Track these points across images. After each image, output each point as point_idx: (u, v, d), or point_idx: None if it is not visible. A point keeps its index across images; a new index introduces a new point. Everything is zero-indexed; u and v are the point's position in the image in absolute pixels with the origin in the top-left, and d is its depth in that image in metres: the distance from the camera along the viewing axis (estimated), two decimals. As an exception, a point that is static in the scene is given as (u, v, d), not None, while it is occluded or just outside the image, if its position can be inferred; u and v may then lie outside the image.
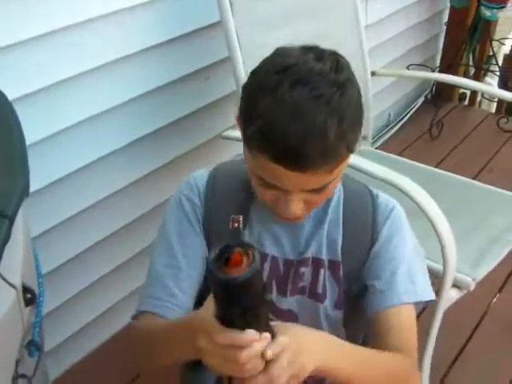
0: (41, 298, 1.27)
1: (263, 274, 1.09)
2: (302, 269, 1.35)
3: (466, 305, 2.42)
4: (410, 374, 1.28)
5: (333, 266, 1.34)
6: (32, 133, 1.52)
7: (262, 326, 0.93)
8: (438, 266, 1.85)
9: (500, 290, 2.88)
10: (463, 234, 2.12)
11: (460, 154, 3.79)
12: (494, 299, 2.84)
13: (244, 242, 0.89)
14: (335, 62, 1.12)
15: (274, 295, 1.36)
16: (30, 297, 1.14)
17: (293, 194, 1.14)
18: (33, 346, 1.19)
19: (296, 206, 1.17)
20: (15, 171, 1.14)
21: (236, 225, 0.95)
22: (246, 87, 1.16)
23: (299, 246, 1.34)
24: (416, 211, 1.80)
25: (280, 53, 1.15)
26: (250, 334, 0.89)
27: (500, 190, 2.48)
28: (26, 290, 1.12)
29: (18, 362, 1.14)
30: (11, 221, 1.01)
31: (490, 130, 4.13)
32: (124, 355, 2.32)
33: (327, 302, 1.36)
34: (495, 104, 4.47)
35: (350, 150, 1.13)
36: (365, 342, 1.47)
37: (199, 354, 0.95)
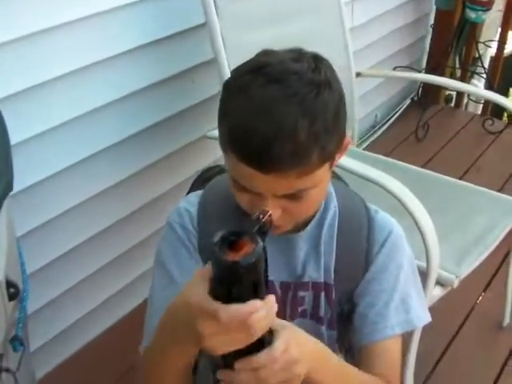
0: (24, 294, 1.27)
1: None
2: (301, 293, 1.32)
3: (451, 303, 2.44)
4: None
5: (327, 288, 1.31)
6: (16, 133, 1.53)
7: None
8: (422, 264, 1.86)
9: (485, 289, 2.90)
10: (448, 232, 2.14)
11: (446, 156, 3.81)
12: (480, 298, 2.86)
13: (252, 232, 0.90)
14: (314, 64, 1.08)
15: None
16: (13, 291, 1.15)
17: (267, 199, 1.09)
18: (17, 341, 1.20)
19: (272, 213, 1.09)
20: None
21: (261, 216, 0.96)
22: (222, 87, 1.14)
23: (296, 269, 1.30)
24: (401, 209, 1.81)
25: (260, 53, 1.13)
26: (253, 302, 0.88)
27: (485, 190, 2.49)
28: (9, 284, 1.13)
29: (1, 357, 1.14)
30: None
31: (476, 132, 4.15)
32: (111, 353, 2.36)
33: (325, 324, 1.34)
34: (481, 106, 4.49)
35: (326, 156, 1.08)
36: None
37: (200, 341, 0.92)
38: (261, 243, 0.87)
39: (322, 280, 1.30)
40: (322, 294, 1.31)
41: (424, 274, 1.86)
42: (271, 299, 0.91)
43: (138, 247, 2.46)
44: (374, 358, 1.27)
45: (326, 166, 1.11)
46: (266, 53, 1.12)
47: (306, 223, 1.28)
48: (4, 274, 1.09)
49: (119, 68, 2.14)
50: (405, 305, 1.30)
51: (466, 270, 2.05)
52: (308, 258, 1.30)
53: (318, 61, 1.10)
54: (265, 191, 1.08)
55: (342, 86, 1.13)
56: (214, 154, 2.50)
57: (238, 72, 1.11)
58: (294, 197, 1.10)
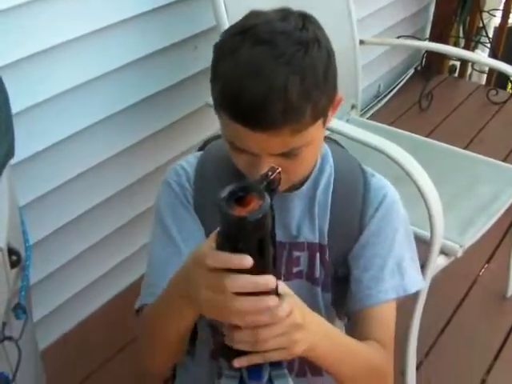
0: (27, 263, 1.27)
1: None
2: (296, 253, 1.31)
3: (455, 274, 2.45)
4: (387, 371, 1.27)
5: (321, 249, 1.31)
6: (18, 101, 1.51)
7: (269, 268, 0.91)
8: (426, 233, 1.85)
9: (489, 260, 2.90)
10: (451, 201, 2.13)
11: (449, 126, 3.79)
12: (483, 269, 2.86)
13: (260, 188, 0.88)
14: (301, 22, 1.09)
15: None
16: (15, 259, 1.14)
17: (262, 158, 1.10)
18: (19, 309, 1.19)
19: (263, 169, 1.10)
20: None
21: (270, 173, 0.94)
22: (213, 50, 1.14)
23: (290, 228, 1.30)
24: (404, 178, 1.80)
25: (248, 15, 1.14)
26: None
27: (489, 159, 2.48)
28: (11, 252, 1.12)
29: (4, 325, 1.14)
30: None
31: (480, 102, 4.13)
32: (114, 324, 2.37)
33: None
34: (485, 76, 4.46)
35: (318, 113, 1.09)
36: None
37: (195, 292, 0.92)
38: (268, 200, 0.85)
39: (317, 241, 1.30)
40: (318, 255, 1.31)
41: (428, 244, 1.86)
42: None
43: (141, 217, 2.45)
44: (369, 323, 1.27)
45: (319, 123, 1.12)
46: (253, 14, 1.13)
47: (301, 183, 1.28)
48: (6, 241, 1.08)
49: (120, 36, 2.11)
50: (400, 270, 1.29)
51: (470, 239, 2.04)
52: (303, 219, 1.30)
53: (305, 19, 1.11)
54: (260, 150, 1.09)
55: (330, 43, 1.14)
56: (217, 123, 2.48)
57: (226, 34, 1.13)
58: (289, 155, 1.11)
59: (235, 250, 0.85)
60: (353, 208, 1.30)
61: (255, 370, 0.99)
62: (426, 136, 2.88)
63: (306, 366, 1.42)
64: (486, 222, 2.12)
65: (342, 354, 1.13)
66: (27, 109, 1.86)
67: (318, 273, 1.31)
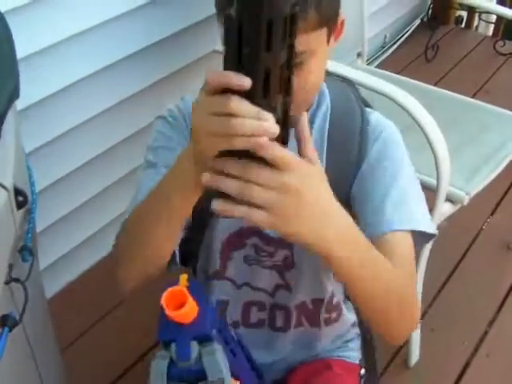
0: (33, 205, 1.26)
1: None
2: None
3: (461, 224, 2.46)
4: (414, 301, 1.18)
5: None
6: (22, 47, 1.50)
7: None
8: (432, 180, 1.85)
9: (494, 211, 2.90)
10: (458, 149, 2.12)
11: (455, 77, 3.77)
12: (489, 219, 2.86)
13: None
14: None
15: None
16: (22, 200, 1.13)
17: None
18: (26, 250, 1.19)
19: None
20: (4, 72, 1.12)
21: None
22: None
23: None
24: (411, 125, 1.79)
25: None
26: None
27: (496, 108, 2.47)
28: (17, 192, 1.11)
29: (11, 267, 1.14)
30: (1, 119, 0.99)
31: (487, 53, 4.09)
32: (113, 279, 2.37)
33: None
34: (492, 27, 4.41)
35: (323, 18, 1.06)
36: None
37: (194, 145, 0.88)
38: None
39: None
40: None
41: (434, 191, 1.85)
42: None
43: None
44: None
45: (323, 33, 1.10)
46: None
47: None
48: (12, 181, 1.07)
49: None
50: (406, 204, 1.20)
51: (476, 187, 2.04)
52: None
53: None
54: None
55: None
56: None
57: None
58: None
59: (239, 55, 0.78)
60: (350, 144, 1.25)
61: (183, 350, 0.98)
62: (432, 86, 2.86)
63: (303, 317, 1.43)
64: (492, 170, 2.12)
65: (364, 263, 1.01)
66: (30, 55, 1.83)
67: None
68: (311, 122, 1.26)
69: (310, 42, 1.07)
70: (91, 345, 2.23)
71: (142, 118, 2.35)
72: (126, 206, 2.25)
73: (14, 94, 1.10)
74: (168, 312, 0.95)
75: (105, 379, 2.14)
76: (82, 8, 1.96)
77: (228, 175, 0.85)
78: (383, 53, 3.93)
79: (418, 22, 4.25)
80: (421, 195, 1.26)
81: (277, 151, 0.84)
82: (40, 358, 1.40)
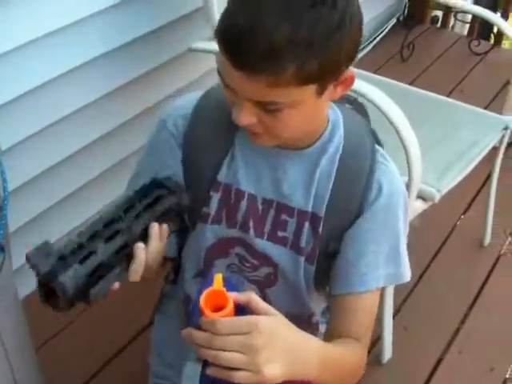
0: (5, 202, 1.26)
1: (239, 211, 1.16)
2: (284, 216, 1.29)
3: (433, 223, 2.47)
4: (362, 365, 1.28)
5: (314, 219, 1.27)
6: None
7: None
8: (404, 178, 1.85)
9: (467, 209, 2.92)
10: (431, 147, 2.14)
11: (430, 76, 3.78)
12: (461, 218, 2.88)
13: None
14: None
15: (251, 235, 1.30)
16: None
17: (243, 102, 1.08)
18: (-3, 246, 1.18)
19: (244, 115, 1.09)
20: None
21: None
22: None
23: (281, 186, 1.27)
24: (385, 125, 1.79)
25: None
26: None
27: (470, 106, 2.49)
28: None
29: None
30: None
31: (462, 53, 4.11)
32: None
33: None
34: (467, 27, 4.43)
35: (305, 76, 1.02)
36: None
37: None
38: None
39: (310, 210, 1.27)
40: (306, 224, 1.28)
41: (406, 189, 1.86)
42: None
43: (125, 162, 2.44)
44: (355, 311, 1.28)
45: (310, 89, 1.06)
46: None
47: (306, 145, 1.25)
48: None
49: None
50: (396, 258, 1.31)
51: (448, 184, 2.05)
52: (298, 181, 1.26)
53: None
54: (239, 91, 1.07)
55: (359, 16, 1.09)
56: (202, 68, 2.49)
57: None
58: (268, 109, 1.07)
59: None
60: (356, 185, 1.26)
61: None
62: (408, 85, 2.87)
63: None
64: (464, 168, 2.13)
65: (326, 372, 1.12)
66: (14, 49, 1.83)
67: (303, 243, 1.29)
68: (322, 151, 1.25)
69: (287, 95, 1.05)
70: (70, 340, 2.22)
71: (120, 115, 2.35)
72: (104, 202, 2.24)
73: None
74: (207, 313, 0.97)
75: (83, 375, 2.14)
76: (61, 3, 1.95)
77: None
78: (359, 52, 3.93)
79: (394, 21, 4.26)
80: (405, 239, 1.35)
81: (232, 325, 0.97)
82: (13, 355, 1.40)
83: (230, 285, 1.01)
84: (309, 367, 1.07)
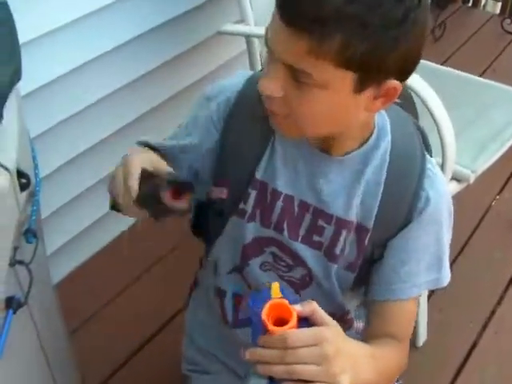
0: (37, 188, 1.26)
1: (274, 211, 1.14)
2: (322, 222, 1.26)
3: (468, 204, 2.44)
4: (403, 365, 1.28)
5: (360, 231, 1.25)
6: (27, 29, 1.49)
7: None
8: (438, 159, 1.84)
9: (502, 190, 2.90)
10: (465, 128, 2.12)
11: (462, 56, 3.75)
12: (497, 197, 2.86)
13: None
14: None
15: (285, 236, 1.28)
16: (25, 182, 1.13)
17: (276, 63, 1.02)
18: (30, 233, 1.19)
19: (271, 78, 1.04)
20: (5, 54, 1.12)
21: None
22: None
23: (321, 192, 1.24)
24: (421, 107, 1.77)
25: None
26: None
27: (504, 86, 2.45)
28: (20, 174, 1.11)
29: (15, 249, 1.14)
30: (3, 98, 0.99)
31: (494, 32, 4.07)
32: (125, 258, 2.39)
33: (340, 263, 1.29)
34: (500, 5, 4.37)
35: (346, 58, 0.97)
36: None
37: None
38: None
39: (353, 219, 1.24)
40: (344, 232, 1.25)
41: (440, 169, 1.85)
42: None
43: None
44: (395, 316, 1.28)
45: (347, 78, 1.01)
46: None
47: (343, 151, 1.20)
48: (15, 162, 1.07)
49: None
50: (438, 264, 1.30)
51: (482, 165, 2.03)
52: (340, 189, 1.23)
53: None
54: (278, 49, 1.02)
55: (422, 29, 1.04)
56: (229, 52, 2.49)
57: None
58: (298, 80, 1.02)
59: None
60: (405, 195, 1.23)
61: None
62: (440, 65, 2.85)
63: None
64: (498, 149, 2.11)
65: (377, 376, 1.12)
66: (45, 34, 1.84)
67: (338, 250, 1.27)
68: (366, 160, 1.21)
69: (321, 71, 1.00)
70: (103, 325, 2.23)
71: (151, 99, 2.35)
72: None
73: (16, 76, 1.10)
74: (272, 329, 0.96)
75: (116, 360, 2.15)
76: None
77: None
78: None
79: (425, 0, 4.21)
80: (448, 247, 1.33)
81: (303, 338, 0.96)
82: (47, 340, 1.41)
83: (285, 294, 0.99)
84: (367, 374, 1.07)
